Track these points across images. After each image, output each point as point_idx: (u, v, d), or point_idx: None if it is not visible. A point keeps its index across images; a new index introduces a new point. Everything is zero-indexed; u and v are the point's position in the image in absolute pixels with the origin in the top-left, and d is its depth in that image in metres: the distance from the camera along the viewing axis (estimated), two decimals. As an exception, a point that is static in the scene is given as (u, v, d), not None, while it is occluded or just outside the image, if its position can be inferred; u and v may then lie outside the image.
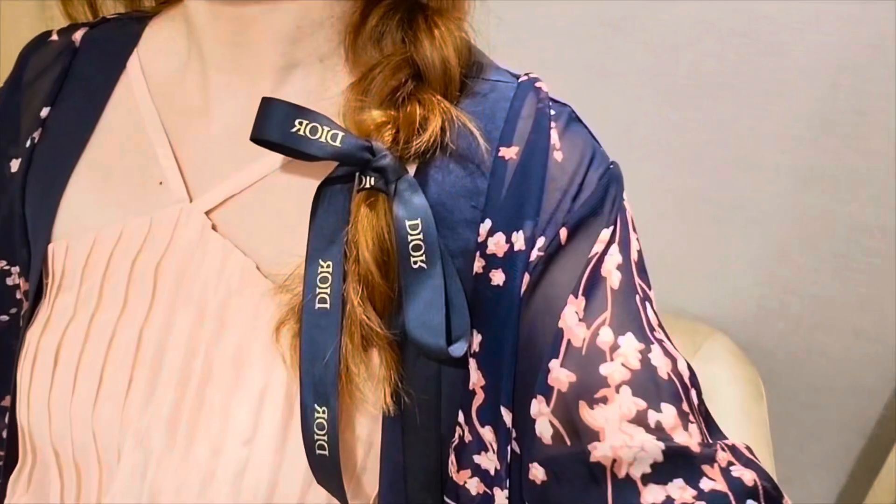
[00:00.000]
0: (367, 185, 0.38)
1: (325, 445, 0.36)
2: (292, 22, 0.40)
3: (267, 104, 0.38)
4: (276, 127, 0.37)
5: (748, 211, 1.10)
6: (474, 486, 0.40)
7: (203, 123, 0.44)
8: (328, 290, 0.37)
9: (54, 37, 0.51)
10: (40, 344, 0.43)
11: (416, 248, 0.37)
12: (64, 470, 0.43)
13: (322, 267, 0.37)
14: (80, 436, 0.41)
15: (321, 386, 0.37)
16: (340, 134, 0.37)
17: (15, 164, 0.48)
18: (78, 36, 0.50)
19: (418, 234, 0.37)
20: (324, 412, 0.36)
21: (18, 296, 0.50)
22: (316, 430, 0.36)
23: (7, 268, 0.50)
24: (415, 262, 0.37)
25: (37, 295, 0.46)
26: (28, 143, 0.47)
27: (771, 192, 1.08)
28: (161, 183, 0.44)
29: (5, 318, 0.52)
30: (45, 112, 0.48)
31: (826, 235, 1.07)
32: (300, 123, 0.37)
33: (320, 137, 0.37)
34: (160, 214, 0.43)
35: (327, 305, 0.37)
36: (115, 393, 0.41)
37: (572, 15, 1.06)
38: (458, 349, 0.37)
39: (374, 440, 0.40)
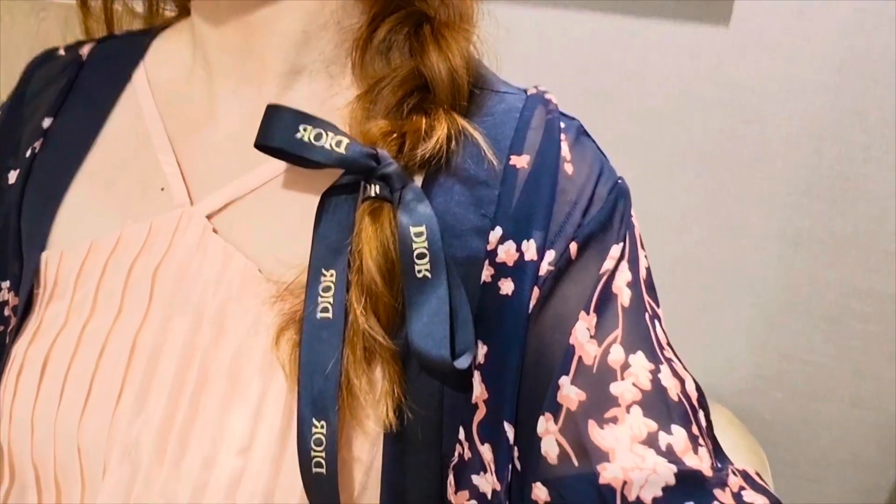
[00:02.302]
0: (372, 194, 0.37)
1: (323, 463, 0.35)
2: (298, 27, 0.40)
3: (272, 111, 0.38)
4: (280, 133, 0.37)
5: (737, 278, 1.10)
6: None
7: (208, 130, 0.44)
8: (331, 300, 0.36)
9: (61, 52, 0.51)
10: (27, 355, 0.40)
11: (421, 256, 0.36)
12: (43, 491, 0.40)
13: (325, 276, 0.37)
14: (63, 451, 0.39)
15: (321, 399, 0.35)
16: (345, 141, 0.37)
17: (13, 176, 0.47)
18: (85, 50, 0.50)
19: (423, 241, 0.36)
20: (322, 427, 0.35)
21: (7, 312, 0.47)
22: (313, 446, 0.35)
23: None
24: (419, 272, 0.36)
25: (26, 309, 0.44)
26: (28, 154, 0.46)
27: (759, 258, 1.08)
28: (163, 189, 0.43)
29: None
30: (47, 123, 0.47)
31: (817, 301, 1.07)
32: (304, 130, 0.37)
33: (325, 144, 0.37)
34: (160, 219, 0.42)
35: (330, 315, 0.36)
36: (104, 403, 0.39)
37: (557, 85, 1.07)
38: (462, 362, 0.36)
39: (375, 460, 0.38)
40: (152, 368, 0.39)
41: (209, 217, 0.41)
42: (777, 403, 1.13)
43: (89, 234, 0.42)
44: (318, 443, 0.35)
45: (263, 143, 0.37)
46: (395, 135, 0.38)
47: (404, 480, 0.38)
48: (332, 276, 0.36)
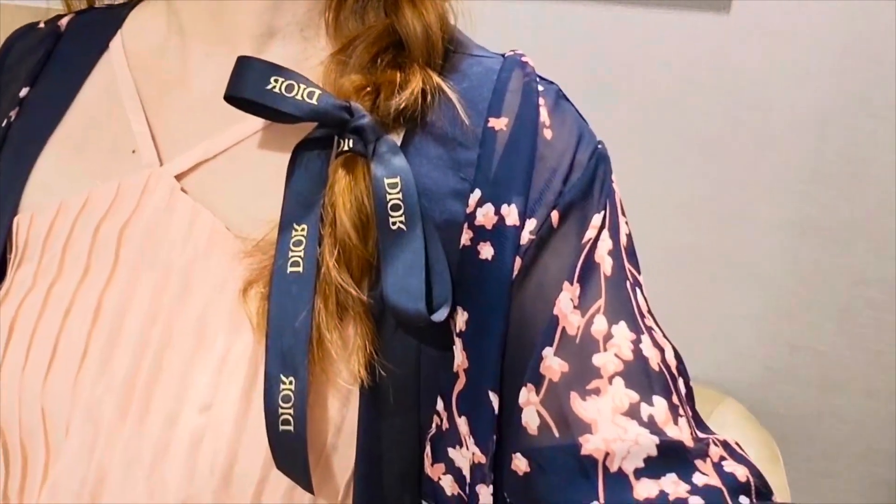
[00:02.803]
0: (346, 148, 0.36)
1: (291, 420, 0.34)
2: None
3: (243, 62, 0.37)
4: (251, 84, 0.37)
5: (744, 268, 1.08)
6: (448, 484, 0.38)
7: (180, 92, 0.43)
8: (301, 254, 0.36)
9: (41, 25, 0.51)
10: None
11: (395, 207, 0.36)
12: (10, 455, 0.40)
13: (296, 230, 0.36)
14: (28, 413, 0.38)
15: (290, 355, 0.35)
16: (317, 92, 0.37)
17: None
18: (64, 21, 0.50)
19: (397, 193, 0.36)
20: (291, 383, 0.34)
21: None
22: (281, 402, 0.34)
23: None
24: (393, 224, 0.36)
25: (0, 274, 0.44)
26: (4, 123, 0.46)
27: (766, 247, 1.06)
28: (134, 151, 0.42)
29: None
30: (24, 92, 0.47)
31: (826, 290, 1.05)
32: (276, 81, 0.36)
33: (296, 95, 0.36)
34: (128, 179, 0.41)
35: (300, 269, 0.35)
36: (68, 364, 0.38)
37: (556, 77, 1.07)
38: (440, 315, 0.36)
39: (346, 421, 0.37)
40: (117, 328, 0.38)
41: (179, 177, 0.41)
42: (789, 396, 1.11)
43: (60, 196, 0.42)
44: (286, 399, 0.34)
45: (234, 95, 0.37)
46: (368, 89, 0.38)
47: (380, 445, 0.38)
48: (303, 230, 0.36)
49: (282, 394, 0.34)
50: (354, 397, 0.37)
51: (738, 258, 1.08)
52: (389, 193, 0.36)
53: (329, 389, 0.37)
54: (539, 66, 0.41)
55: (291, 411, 0.34)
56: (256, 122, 0.41)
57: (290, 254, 0.36)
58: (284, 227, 0.36)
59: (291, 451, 0.35)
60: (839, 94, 0.97)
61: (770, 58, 0.99)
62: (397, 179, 0.36)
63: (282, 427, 0.34)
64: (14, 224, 0.43)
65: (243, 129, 0.41)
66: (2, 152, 0.46)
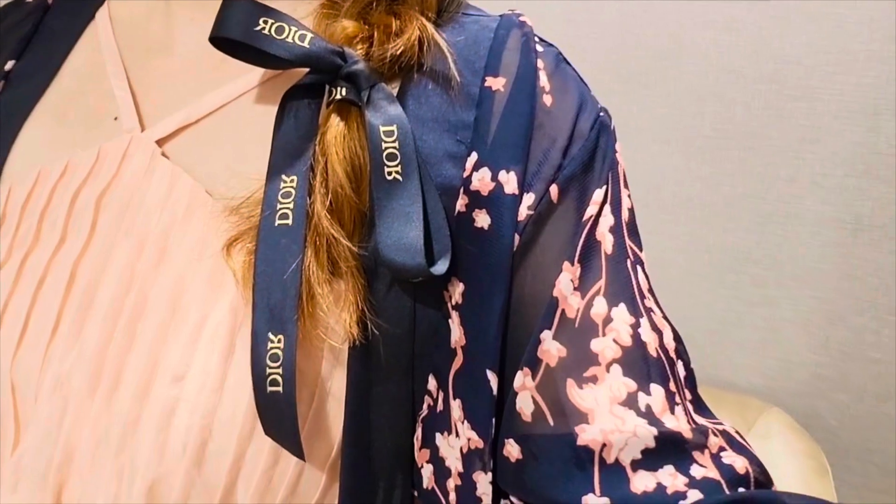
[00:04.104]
0: (338, 97, 0.35)
1: (280, 380, 0.32)
2: None
3: (229, 2, 0.36)
4: (238, 24, 0.35)
5: (792, 269, 1.03)
6: (427, 475, 0.37)
7: (164, 57, 0.43)
8: (290, 206, 0.34)
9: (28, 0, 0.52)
10: None
11: (391, 157, 0.34)
12: None
13: (285, 182, 0.34)
14: None
15: (278, 310, 0.33)
16: (309, 35, 0.35)
17: None
18: None
19: (393, 141, 0.34)
20: (279, 341, 0.33)
21: None
22: (269, 361, 0.33)
23: None
24: (389, 173, 0.34)
25: None
26: None
27: (815, 246, 1.00)
28: (116, 119, 0.42)
29: None
30: (9, 66, 0.47)
31: (882, 292, 0.99)
32: (265, 22, 0.35)
33: (287, 38, 0.35)
34: (108, 145, 0.40)
35: (289, 221, 0.34)
36: (39, 337, 0.37)
37: (587, 71, 1.04)
38: (439, 267, 0.34)
39: (336, 383, 0.36)
40: (90, 298, 0.37)
41: (160, 143, 0.40)
42: (842, 407, 1.04)
43: (40, 166, 0.42)
44: (275, 358, 0.33)
45: (219, 35, 0.36)
46: (361, 37, 0.37)
47: (370, 412, 0.36)
48: (292, 181, 0.34)
49: (269, 353, 0.33)
50: (344, 357, 0.35)
51: (783, 259, 1.02)
52: (385, 142, 0.34)
53: (318, 348, 0.35)
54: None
55: (280, 371, 0.32)
56: (240, 86, 0.40)
57: (279, 206, 0.34)
58: (272, 178, 0.35)
59: (279, 414, 0.33)
60: (890, 81, 0.91)
61: (814, 43, 0.93)
62: (393, 127, 0.34)
63: (269, 388, 0.33)
64: None
65: (227, 93, 0.40)
66: None
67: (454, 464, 0.36)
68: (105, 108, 0.43)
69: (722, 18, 0.97)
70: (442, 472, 0.36)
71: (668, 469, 0.31)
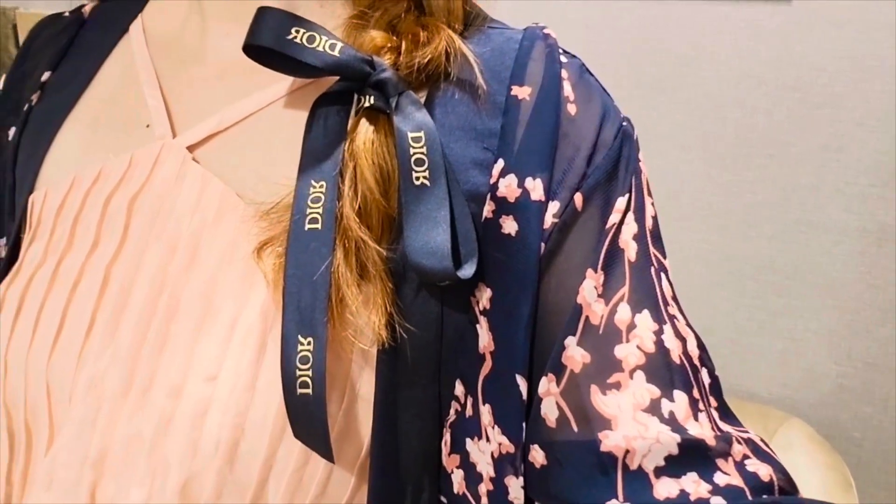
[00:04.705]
0: (367, 104, 0.36)
1: (310, 383, 0.33)
2: None
3: (263, 11, 0.37)
4: (270, 33, 0.36)
5: (815, 279, 1.01)
6: (458, 480, 0.36)
7: (197, 67, 0.44)
8: (320, 210, 0.35)
9: (66, 13, 0.53)
10: (5, 296, 0.40)
11: (419, 162, 0.35)
12: (15, 435, 0.40)
13: (314, 187, 0.35)
14: (33, 392, 0.38)
15: (308, 313, 0.33)
16: (339, 44, 0.36)
17: (12, 132, 0.48)
18: (87, 9, 0.52)
19: (421, 147, 0.35)
20: (309, 343, 0.33)
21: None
22: (299, 364, 0.33)
23: None
24: (417, 178, 0.35)
25: (15, 253, 0.44)
26: (26, 108, 0.48)
27: (838, 256, 0.99)
28: (148, 126, 0.43)
29: None
30: (45, 76, 0.48)
31: (907, 302, 0.97)
32: (297, 31, 0.36)
33: (318, 46, 0.36)
34: (140, 151, 0.41)
35: (318, 225, 0.34)
36: (74, 339, 0.38)
37: (607, 77, 1.04)
38: (466, 270, 0.35)
39: (365, 385, 0.36)
40: (123, 300, 0.38)
41: (191, 149, 0.41)
42: (865, 419, 1.02)
43: (74, 172, 0.43)
44: (305, 361, 0.33)
45: (253, 43, 0.37)
46: (389, 48, 0.37)
47: (398, 416, 0.36)
48: (321, 186, 0.35)
49: (300, 355, 0.33)
50: (373, 359, 0.36)
51: (807, 269, 1.01)
52: (413, 147, 0.35)
53: (347, 350, 0.36)
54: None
55: (310, 373, 0.33)
56: (269, 95, 0.40)
57: (308, 210, 0.35)
58: (301, 183, 0.35)
59: (309, 416, 0.33)
60: (917, 89, 0.90)
61: (838, 50, 0.92)
62: (421, 133, 0.35)
63: (300, 390, 0.33)
64: (29, 202, 0.43)
65: (257, 101, 0.41)
66: (23, 135, 0.47)
67: (485, 469, 0.36)
68: (137, 115, 0.43)
69: (743, 23, 0.96)
70: (473, 477, 0.36)
71: (692, 476, 0.31)
